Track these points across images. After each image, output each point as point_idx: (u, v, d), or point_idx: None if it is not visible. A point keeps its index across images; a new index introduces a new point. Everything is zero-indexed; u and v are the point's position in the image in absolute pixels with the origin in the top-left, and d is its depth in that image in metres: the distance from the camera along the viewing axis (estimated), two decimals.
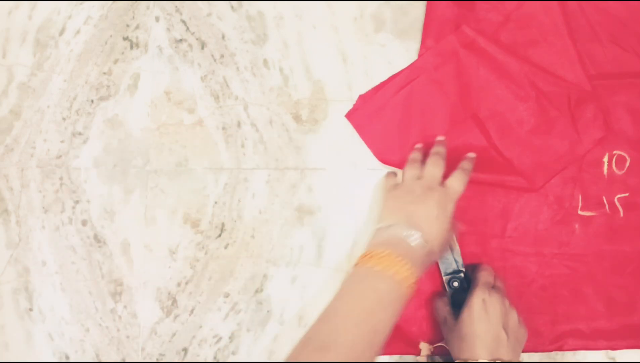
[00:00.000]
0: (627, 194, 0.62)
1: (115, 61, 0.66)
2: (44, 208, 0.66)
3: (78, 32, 0.67)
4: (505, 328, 0.52)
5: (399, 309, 0.48)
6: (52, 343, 0.64)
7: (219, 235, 0.65)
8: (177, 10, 0.66)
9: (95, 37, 0.67)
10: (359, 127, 0.64)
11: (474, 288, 0.55)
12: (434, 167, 0.56)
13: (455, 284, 0.59)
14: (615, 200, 0.62)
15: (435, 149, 0.58)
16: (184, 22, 0.66)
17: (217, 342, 0.64)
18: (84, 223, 0.66)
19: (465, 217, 0.62)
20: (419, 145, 0.61)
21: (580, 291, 0.62)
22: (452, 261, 0.59)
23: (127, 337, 0.65)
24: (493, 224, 0.62)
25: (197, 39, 0.66)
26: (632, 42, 0.62)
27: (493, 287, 0.56)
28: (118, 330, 0.65)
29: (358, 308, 0.47)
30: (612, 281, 0.62)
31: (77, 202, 0.66)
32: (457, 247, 0.59)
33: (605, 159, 0.62)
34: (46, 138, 0.66)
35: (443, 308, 0.57)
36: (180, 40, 0.66)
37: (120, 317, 0.65)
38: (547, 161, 0.62)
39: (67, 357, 0.64)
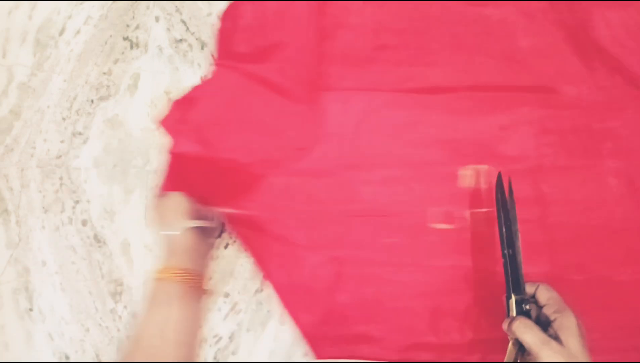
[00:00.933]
0: (480, 209, 0.62)
1: (115, 61, 0.66)
2: (44, 208, 0.66)
3: (78, 32, 0.67)
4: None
5: (193, 304, 0.55)
6: (52, 343, 0.64)
7: (219, 235, 0.65)
8: (177, 10, 0.66)
9: (95, 37, 0.67)
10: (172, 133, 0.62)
11: (563, 310, 0.50)
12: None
13: (528, 307, 0.52)
14: (468, 214, 0.62)
15: None
16: (184, 22, 0.66)
17: (217, 342, 0.64)
18: (84, 223, 0.66)
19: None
20: None
21: (430, 304, 0.61)
22: (521, 282, 0.54)
23: (127, 337, 0.64)
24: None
25: (197, 39, 0.66)
26: (503, 54, 0.63)
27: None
28: (118, 330, 0.65)
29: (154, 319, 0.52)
30: (461, 296, 0.61)
31: (77, 202, 0.66)
32: (521, 268, 0.55)
33: (464, 172, 0.62)
34: (46, 138, 0.66)
35: (536, 331, 0.49)
36: (180, 40, 0.66)
37: (120, 317, 0.65)
38: None
39: (67, 357, 0.64)
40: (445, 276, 0.62)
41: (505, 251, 0.55)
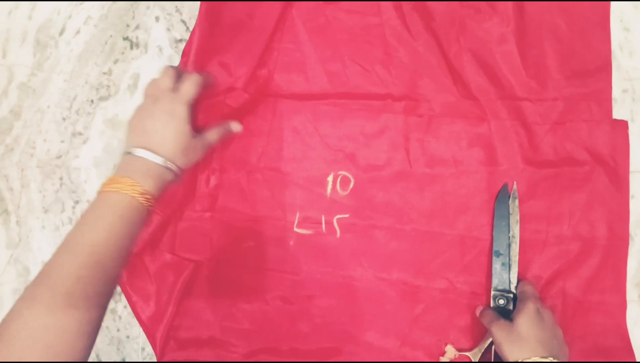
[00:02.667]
0: (347, 216, 0.62)
1: (115, 61, 0.66)
2: (44, 208, 0.66)
3: (78, 32, 0.67)
4: (558, 339, 0.54)
5: (137, 223, 0.49)
6: None
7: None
8: (177, 10, 0.66)
9: (95, 37, 0.66)
10: None
11: (525, 299, 0.56)
12: (165, 77, 0.54)
13: (501, 302, 0.58)
14: (334, 220, 0.62)
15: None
16: (184, 22, 0.66)
17: None
18: None
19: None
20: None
21: (286, 309, 0.62)
22: (507, 280, 0.59)
23: (127, 337, 0.65)
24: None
25: None
26: (373, 62, 0.63)
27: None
28: (118, 330, 0.65)
29: (87, 235, 0.47)
30: (318, 302, 0.62)
31: (77, 202, 0.66)
32: (515, 268, 0.59)
33: (330, 178, 0.62)
34: (46, 138, 0.66)
35: (491, 313, 0.58)
36: (180, 40, 0.66)
37: (120, 317, 0.65)
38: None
39: None
40: (301, 281, 0.62)
41: (496, 249, 0.60)
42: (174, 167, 0.52)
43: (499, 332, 0.55)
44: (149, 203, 0.49)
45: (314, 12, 0.63)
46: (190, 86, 0.54)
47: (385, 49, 0.63)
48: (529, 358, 0.51)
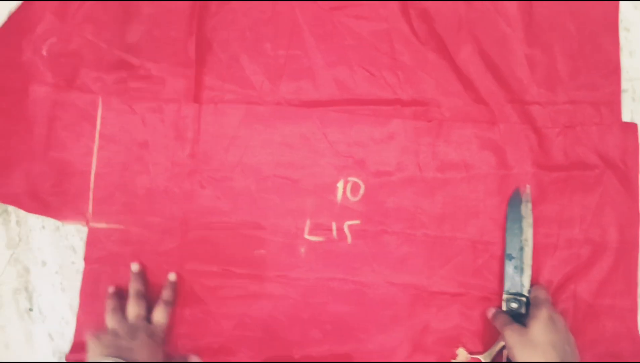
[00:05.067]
0: (357, 222, 0.62)
1: None
2: None
3: None
4: (570, 345, 0.55)
5: None
6: (52, 343, 0.64)
7: None
8: None
9: None
10: None
11: (538, 304, 0.56)
12: (135, 307, 0.59)
13: (514, 305, 0.59)
14: (345, 227, 0.62)
15: (133, 287, 0.60)
16: None
17: None
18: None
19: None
20: (111, 289, 0.61)
21: (297, 316, 0.62)
22: (519, 284, 0.59)
23: None
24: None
25: None
26: (381, 68, 0.63)
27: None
28: None
29: None
30: (330, 308, 0.62)
31: None
32: (529, 271, 0.60)
33: (340, 185, 0.63)
34: None
35: (504, 316, 0.58)
36: None
37: None
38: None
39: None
40: (312, 288, 0.62)
41: (509, 253, 0.60)
42: None
43: (512, 336, 0.55)
44: None
45: (321, 18, 0.63)
46: (162, 317, 0.59)
47: (393, 54, 0.63)
48: None
